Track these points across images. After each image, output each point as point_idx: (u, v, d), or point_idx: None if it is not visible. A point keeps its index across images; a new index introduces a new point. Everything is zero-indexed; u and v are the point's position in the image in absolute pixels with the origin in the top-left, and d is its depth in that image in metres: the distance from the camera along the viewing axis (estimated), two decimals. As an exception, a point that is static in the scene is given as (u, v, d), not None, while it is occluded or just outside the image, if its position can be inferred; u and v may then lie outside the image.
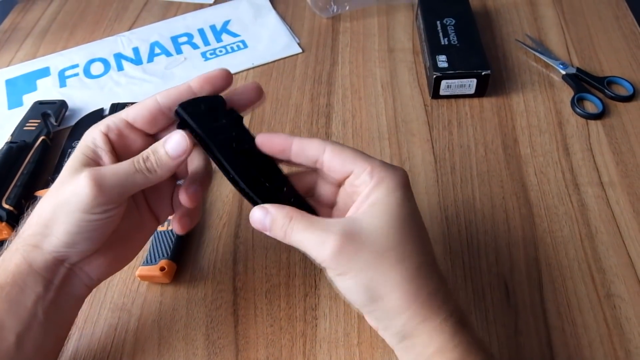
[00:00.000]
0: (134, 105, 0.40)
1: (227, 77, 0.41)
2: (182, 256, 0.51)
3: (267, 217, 0.37)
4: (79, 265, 0.39)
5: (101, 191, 0.36)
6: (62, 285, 0.39)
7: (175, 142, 0.38)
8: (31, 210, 0.39)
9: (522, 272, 0.49)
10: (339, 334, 0.45)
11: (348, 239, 0.34)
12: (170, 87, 0.40)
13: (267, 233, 0.37)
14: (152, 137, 0.41)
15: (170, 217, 0.48)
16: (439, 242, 0.51)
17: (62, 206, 0.37)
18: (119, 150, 0.39)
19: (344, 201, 0.39)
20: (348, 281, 0.35)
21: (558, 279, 0.48)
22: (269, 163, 0.39)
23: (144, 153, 0.38)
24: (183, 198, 0.41)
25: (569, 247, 0.50)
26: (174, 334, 0.46)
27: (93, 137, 0.39)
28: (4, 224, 0.52)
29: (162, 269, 0.48)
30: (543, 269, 0.49)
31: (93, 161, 0.38)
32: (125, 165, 0.37)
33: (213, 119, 0.39)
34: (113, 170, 0.37)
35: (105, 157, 0.38)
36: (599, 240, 0.50)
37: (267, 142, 0.38)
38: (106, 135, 0.39)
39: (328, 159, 0.37)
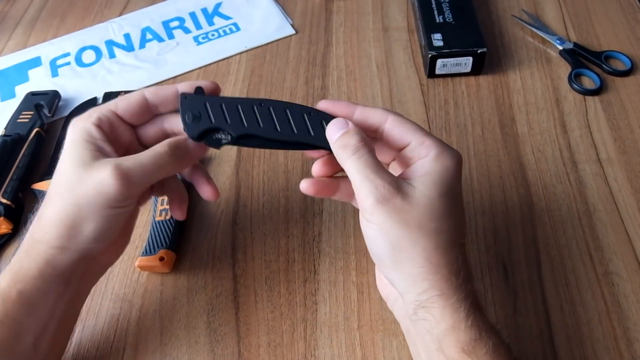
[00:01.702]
0: (121, 98, 0.40)
1: (217, 89, 0.41)
2: (181, 245, 0.51)
3: (343, 129, 0.37)
4: (97, 258, 0.40)
5: (128, 185, 0.36)
6: (80, 280, 0.40)
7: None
8: (36, 211, 0.39)
9: (521, 252, 0.49)
10: (339, 318, 0.46)
11: (396, 195, 0.34)
12: (158, 87, 0.41)
13: (332, 139, 0.37)
14: (137, 129, 0.42)
15: (167, 207, 0.51)
16: (437, 224, 0.51)
17: (88, 205, 0.36)
18: (111, 139, 0.39)
19: (396, 170, 0.40)
20: (376, 232, 0.35)
21: (556, 258, 0.48)
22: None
23: (165, 146, 0.38)
24: (208, 192, 0.43)
25: (567, 226, 0.50)
26: (175, 323, 0.47)
27: (88, 131, 0.38)
28: (2, 218, 0.52)
29: (161, 258, 0.48)
30: (541, 248, 0.49)
31: (98, 152, 0.38)
32: (148, 156, 0.38)
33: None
34: (136, 163, 0.37)
35: (107, 148, 0.38)
36: (597, 218, 0.50)
37: (330, 109, 0.38)
38: (99, 127, 0.39)
39: (389, 128, 0.37)
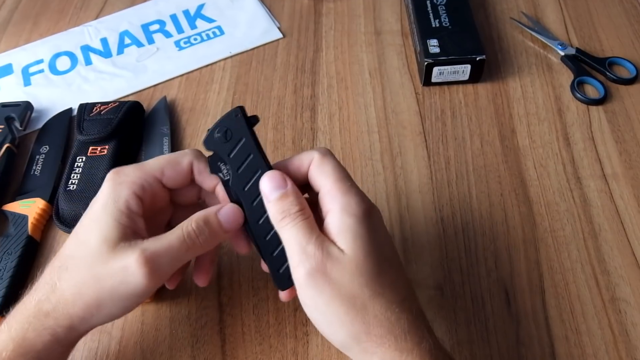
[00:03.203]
0: (167, 163, 0.38)
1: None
2: (163, 272, 0.48)
3: (279, 189, 0.35)
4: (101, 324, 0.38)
5: (158, 279, 0.35)
6: (75, 344, 0.38)
7: (231, 215, 0.37)
8: (40, 276, 0.36)
9: (523, 277, 0.46)
10: (332, 351, 0.43)
11: (326, 263, 0.32)
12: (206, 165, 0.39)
13: (265, 201, 0.35)
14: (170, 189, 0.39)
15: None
16: (435, 247, 0.48)
17: (109, 293, 0.34)
18: (147, 210, 0.37)
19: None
20: (312, 310, 0.34)
21: (560, 283, 0.46)
22: None
23: (194, 226, 0.36)
24: (202, 279, 0.42)
25: (571, 248, 0.47)
26: (157, 357, 0.44)
27: (126, 201, 0.36)
28: (-31, 245, 0.49)
29: (141, 287, 0.45)
30: (545, 272, 0.46)
31: (130, 230, 0.35)
32: (175, 242, 0.35)
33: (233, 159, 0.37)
34: (165, 253, 0.35)
35: (140, 224, 0.36)
36: (602, 239, 0.48)
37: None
38: (140, 199, 0.36)
39: (311, 169, 0.36)
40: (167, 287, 0.43)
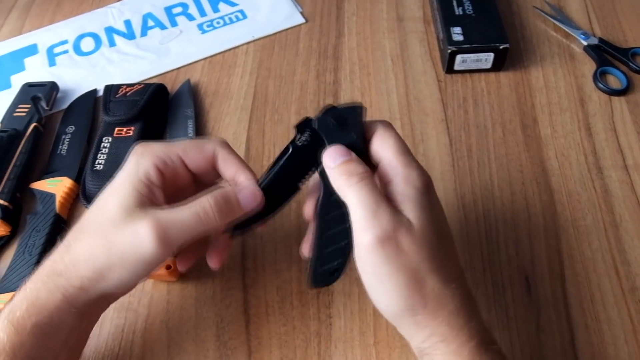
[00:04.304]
0: (192, 145, 0.39)
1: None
2: (189, 252, 0.49)
3: (345, 156, 0.34)
4: (115, 294, 0.38)
5: (167, 248, 0.34)
6: (95, 313, 0.39)
7: (251, 195, 0.37)
8: (60, 241, 0.37)
9: (544, 265, 0.47)
10: (354, 333, 0.44)
11: (397, 231, 0.32)
12: (230, 154, 0.39)
13: (330, 165, 0.35)
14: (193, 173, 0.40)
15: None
16: (456, 233, 0.49)
17: (119, 257, 0.35)
18: (167, 185, 0.38)
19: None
20: (371, 279, 0.33)
21: (581, 272, 0.46)
22: None
23: (212, 201, 0.36)
24: (214, 261, 0.41)
25: (592, 237, 0.48)
26: (183, 335, 0.45)
27: (147, 171, 0.36)
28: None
29: (168, 267, 0.46)
30: (565, 261, 0.47)
31: (147, 199, 0.36)
32: (189, 215, 0.35)
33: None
34: (177, 222, 0.35)
35: (159, 194, 0.37)
36: (623, 229, 0.48)
37: None
38: (160, 172, 0.37)
39: (374, 140, 0.35)
40: (178, 268, 0.43)
